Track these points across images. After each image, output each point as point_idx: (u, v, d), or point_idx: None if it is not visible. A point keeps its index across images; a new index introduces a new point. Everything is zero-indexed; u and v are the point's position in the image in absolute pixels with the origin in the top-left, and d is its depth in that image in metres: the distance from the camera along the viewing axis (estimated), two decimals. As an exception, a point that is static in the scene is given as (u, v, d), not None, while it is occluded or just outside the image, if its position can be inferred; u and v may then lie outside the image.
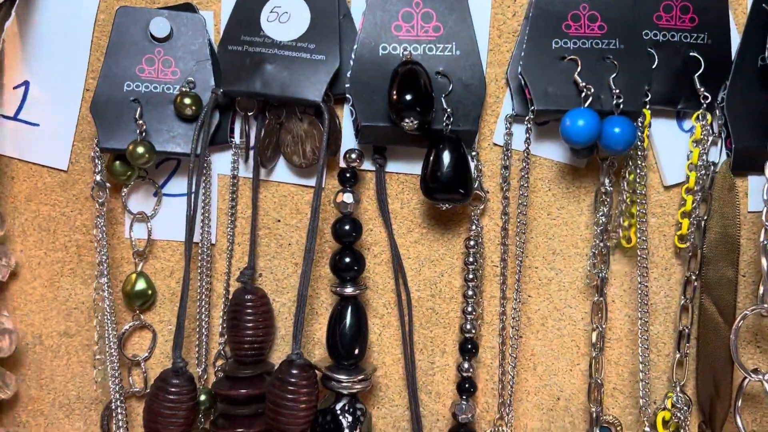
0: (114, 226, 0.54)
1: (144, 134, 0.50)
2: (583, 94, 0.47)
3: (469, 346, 0.52)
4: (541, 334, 0.54)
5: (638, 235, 0.50)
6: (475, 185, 0.51)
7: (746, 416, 0.52)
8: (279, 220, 0.55)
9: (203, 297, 0.53)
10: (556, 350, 0.54)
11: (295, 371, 0.47)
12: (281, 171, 0.54)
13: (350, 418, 0.49)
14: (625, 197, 0.50)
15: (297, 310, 0.48)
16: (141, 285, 0.54)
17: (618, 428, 0.53)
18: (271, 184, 0.54)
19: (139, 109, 0.50)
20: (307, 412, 0.48)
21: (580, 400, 0.54)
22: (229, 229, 0.54)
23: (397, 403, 0.55)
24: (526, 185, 0.50)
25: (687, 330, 0.52)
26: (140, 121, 0.50)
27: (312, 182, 0.53)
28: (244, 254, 0.54)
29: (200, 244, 0.53)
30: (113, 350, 0.52)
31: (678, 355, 0.52)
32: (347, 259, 0.50)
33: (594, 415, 0.52)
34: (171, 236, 0.55)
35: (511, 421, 0.52)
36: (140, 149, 0.50)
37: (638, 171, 0.49)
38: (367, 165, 0.53)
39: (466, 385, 0.52)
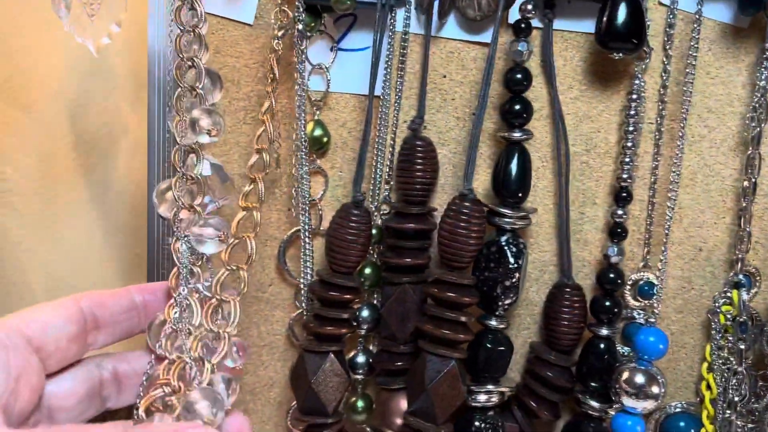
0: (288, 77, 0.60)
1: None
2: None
3: (624, 194, 0.56)
4: (690, 188, 0.57)
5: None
6: (643, 41, 0.54)
7: None
8: (444, 76, 0.59)
9: (377, 144, 0.59)
10: (703, 204, 0.57)
11: (467, 203, 0.53)
12: (450, 28, 0.58)
13: (514, 249, 0.54)
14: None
15: (469, 148, 0.53)
16: (318, 132, 0.60)
17: (757, 278, 0.57)
18: (439, 41, 0.58)
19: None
20: (476, 241, 0.53)
21: (722, 252, 0.57)
22: (398, 83, 0.59)
23: (547, 249, 0.59)
24: (696, 45, 0.53)
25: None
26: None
27: (479, 38, 0.57)
28: (410, 108, 0.59)
29: (381, 97, 0.58)
30: (303, 186, 0.58)
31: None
32: (517, 106, 0.54)
33: (738, 264, 0.55)
34: (345, 89, 0.60)
35: (651, 265, 0.56)
36: (346, -6, 0.54)
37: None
38: (533, 23, 0.56)
39: (618, 230, 0.56)
